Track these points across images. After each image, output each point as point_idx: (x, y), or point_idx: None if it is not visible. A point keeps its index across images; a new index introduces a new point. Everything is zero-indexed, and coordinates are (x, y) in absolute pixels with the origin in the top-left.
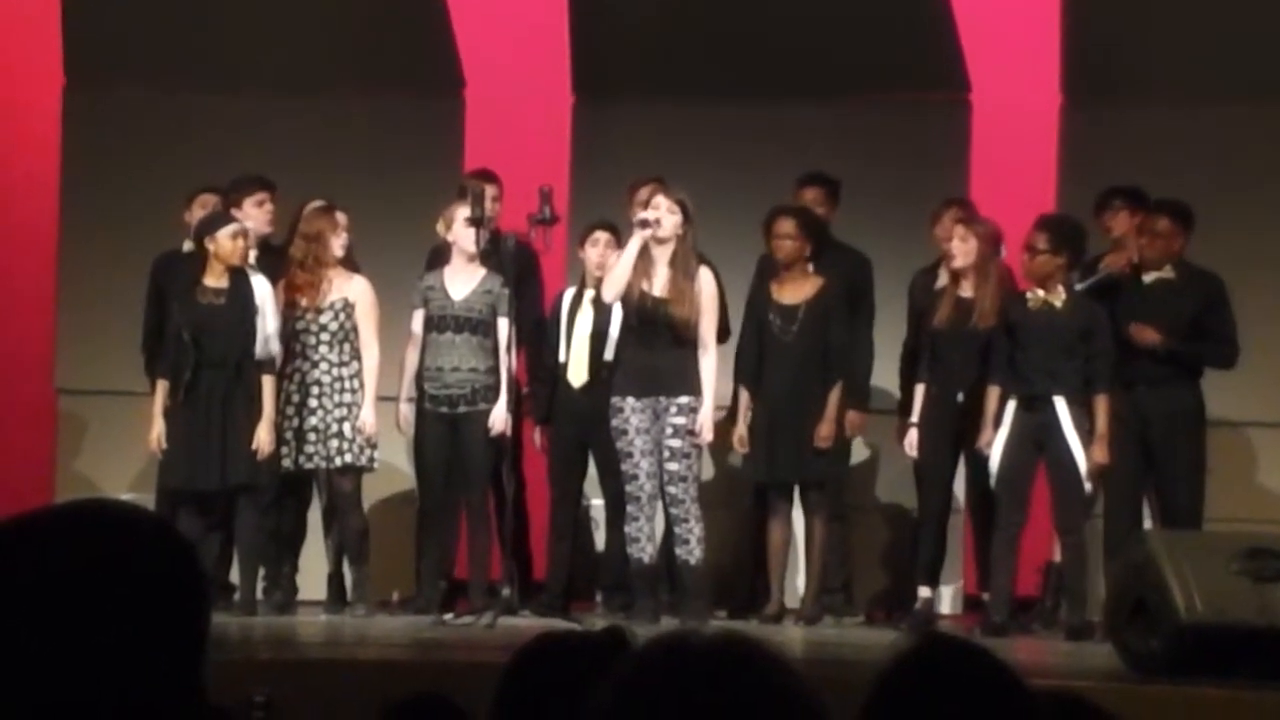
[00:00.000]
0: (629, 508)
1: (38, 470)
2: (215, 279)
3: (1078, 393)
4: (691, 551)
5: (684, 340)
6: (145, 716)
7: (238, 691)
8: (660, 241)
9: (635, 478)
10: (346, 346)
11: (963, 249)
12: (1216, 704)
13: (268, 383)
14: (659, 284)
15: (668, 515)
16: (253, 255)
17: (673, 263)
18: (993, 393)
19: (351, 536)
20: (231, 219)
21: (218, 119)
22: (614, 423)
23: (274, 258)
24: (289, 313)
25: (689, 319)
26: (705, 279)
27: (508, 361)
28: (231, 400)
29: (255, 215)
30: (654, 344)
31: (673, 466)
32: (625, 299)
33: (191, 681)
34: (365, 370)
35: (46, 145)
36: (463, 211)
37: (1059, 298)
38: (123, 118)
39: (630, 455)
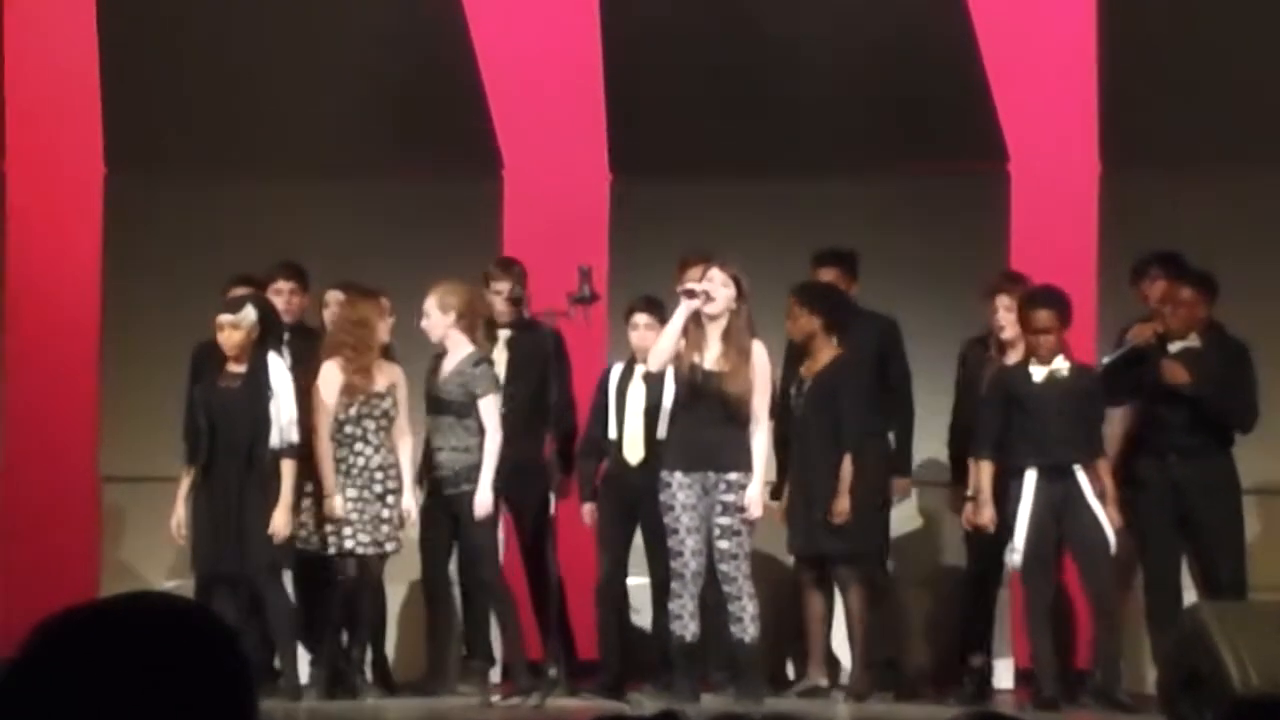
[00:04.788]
0: (673, 584)
1: (82, 557)
2: (237, 364)
3: (1091, 460)
4: (745, 629)
5: (736, 415)
6: None
7: None
8: (713, 317)
9: (680, 554)
10: (386, 434)
11: (1011, 319)
12: None
13: (288, 468)
14: (711, 358)
15: (720, 594)
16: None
17: (726, 337)
18: (985, 469)
19: (377, 619)
20: (235, 307)
21: (257, 205)
22: (662, 497)
23: (308, 341)
24: (344, 400)
25: (743, 394)
26: (759, 354)
27: (496, 441)
28: (245, 486)
29: (280, 303)
30: (705, 418)
31: (723, 544)
32: (676, 372)
33: None
34: (402, 456)
35: (89, 233)
36: (430, 301)
37: (1064, 368)
38: (164, 205)
39: (676, 531)
